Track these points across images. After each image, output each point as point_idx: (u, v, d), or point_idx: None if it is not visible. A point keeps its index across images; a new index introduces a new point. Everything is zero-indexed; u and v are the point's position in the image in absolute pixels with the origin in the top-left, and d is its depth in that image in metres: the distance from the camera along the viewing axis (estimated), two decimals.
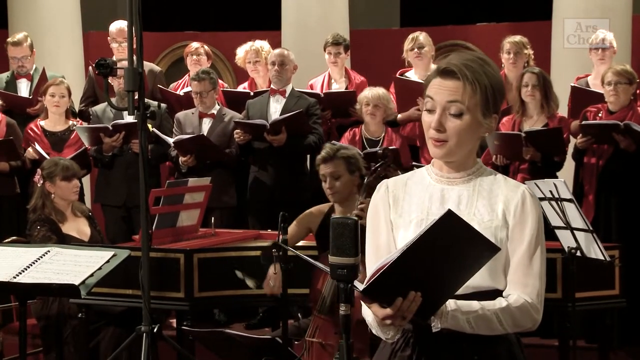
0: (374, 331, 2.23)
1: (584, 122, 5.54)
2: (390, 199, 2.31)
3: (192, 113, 6.18)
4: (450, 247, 2.01)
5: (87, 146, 6.18)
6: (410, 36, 6.41)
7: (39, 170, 5.19)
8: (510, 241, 2.22)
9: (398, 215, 2.29)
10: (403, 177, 2.36)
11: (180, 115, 6.23)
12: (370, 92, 6.01)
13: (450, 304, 2.12)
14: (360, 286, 2.05)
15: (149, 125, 5.63)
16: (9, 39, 6.78)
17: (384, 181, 2.37)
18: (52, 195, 5.05)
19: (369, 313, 2.18)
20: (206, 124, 6.14)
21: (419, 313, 2.07)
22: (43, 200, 5.03)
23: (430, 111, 2.21)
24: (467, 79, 2.17)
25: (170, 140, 6.00)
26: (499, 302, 2.17)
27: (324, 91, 6.53)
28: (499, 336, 2.21)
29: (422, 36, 6.37)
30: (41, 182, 5.08)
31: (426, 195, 2.28)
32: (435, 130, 2.19)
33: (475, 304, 2.15)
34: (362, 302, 2.14)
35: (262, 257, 4.30)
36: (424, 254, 1.99)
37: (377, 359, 2.34)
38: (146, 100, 6.12)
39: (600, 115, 5.58)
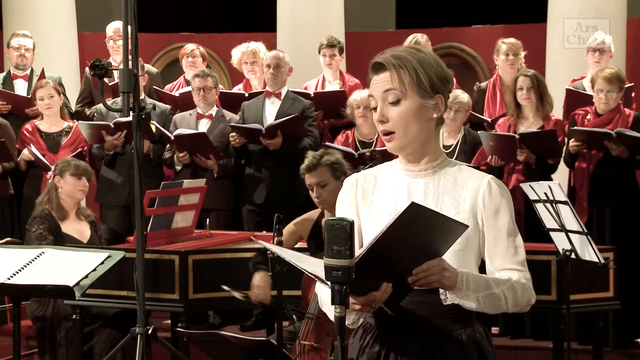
0: (330, 315, 2.18)
1: (574, 128, 5.53)
2: (359, 193, 2.33)
3: (190, 114, 6.17)
4: (418, 236, 2.02)
5: (87, 142, 6.15)
6: (411, 38, 6.36)
7: (53, 167, 5.29)
8: (487, 230, 2.24)
9: (367, 209, 2.31)
10: (373, 171, 2.38)
11: (177, 117, 6.21)
12: (359, 95, 5.98)
13: (465, 280, 2.13)
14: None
15: (153, 125, 5.63)
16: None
17: (354, 175, 2.39)
18: (60, 189, 5.08)
19: (327, 302, 2.12)
20: (203, 125, 6.13)
21: (388, 302, 2.08)
22: (49, 195, 5.08)
23: (375, 109, 2.25)
24: (394, 66, 2.20)
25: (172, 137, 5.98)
26: (506, 280, 2.20)
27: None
28: (466, 328, 2.24)
29: (423, 39, 6.35)
30: (52, 178, 5.18)
31: (394, 189, 2.29)
32: (379, 122, 2.23)
33: (486, 281, 2.18)
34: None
35: (251, 265, 4.32)
36: (391, 246, 2.00)
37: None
38: (149, 100, 6.17)
39: (588, 117, 5.57)
